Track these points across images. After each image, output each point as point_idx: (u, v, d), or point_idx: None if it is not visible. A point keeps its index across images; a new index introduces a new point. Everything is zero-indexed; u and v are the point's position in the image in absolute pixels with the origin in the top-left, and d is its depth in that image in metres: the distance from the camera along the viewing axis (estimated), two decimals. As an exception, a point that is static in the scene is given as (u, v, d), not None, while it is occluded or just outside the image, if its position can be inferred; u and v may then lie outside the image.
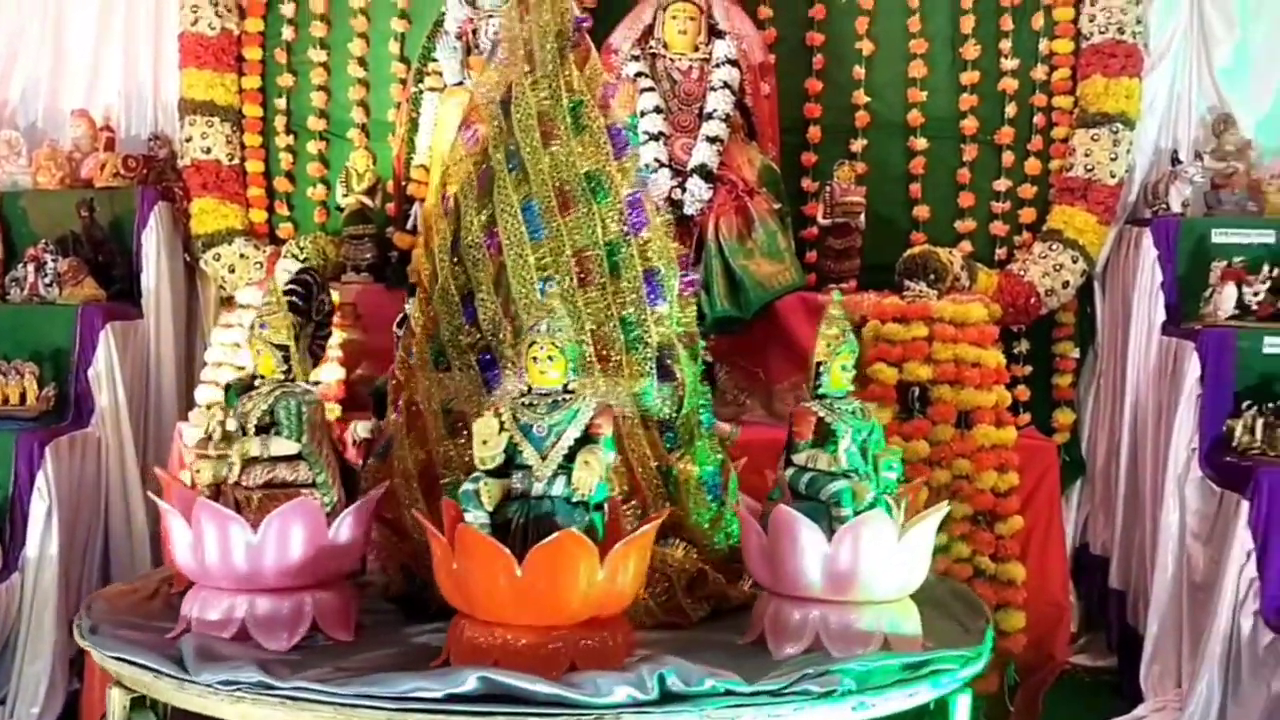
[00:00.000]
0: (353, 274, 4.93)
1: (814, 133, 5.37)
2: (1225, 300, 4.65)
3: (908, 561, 2.44)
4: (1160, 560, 4.56)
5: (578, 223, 2.32)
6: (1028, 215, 5.36)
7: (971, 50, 5.34)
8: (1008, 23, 5.34)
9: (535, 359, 2.22)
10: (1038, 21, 5.34)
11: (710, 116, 4.80)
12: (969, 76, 5.35)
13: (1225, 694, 4.13)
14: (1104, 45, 5.19)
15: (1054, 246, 5.17)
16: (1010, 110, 5.35)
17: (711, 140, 4.74)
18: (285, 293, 2.59)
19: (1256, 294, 4.72)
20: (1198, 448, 4.51)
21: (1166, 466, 4.60)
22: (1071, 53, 5.30)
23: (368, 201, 4.92)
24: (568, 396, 2.24)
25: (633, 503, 2.47)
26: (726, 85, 4.84)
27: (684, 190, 4.65)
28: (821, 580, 2.37)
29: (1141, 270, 5.05)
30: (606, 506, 2.25)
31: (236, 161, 5.38)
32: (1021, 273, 5.16)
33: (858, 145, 5.36)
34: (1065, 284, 5.14)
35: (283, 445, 2.40)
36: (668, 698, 2.10)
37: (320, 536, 2.33)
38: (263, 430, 2.41)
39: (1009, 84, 5.34)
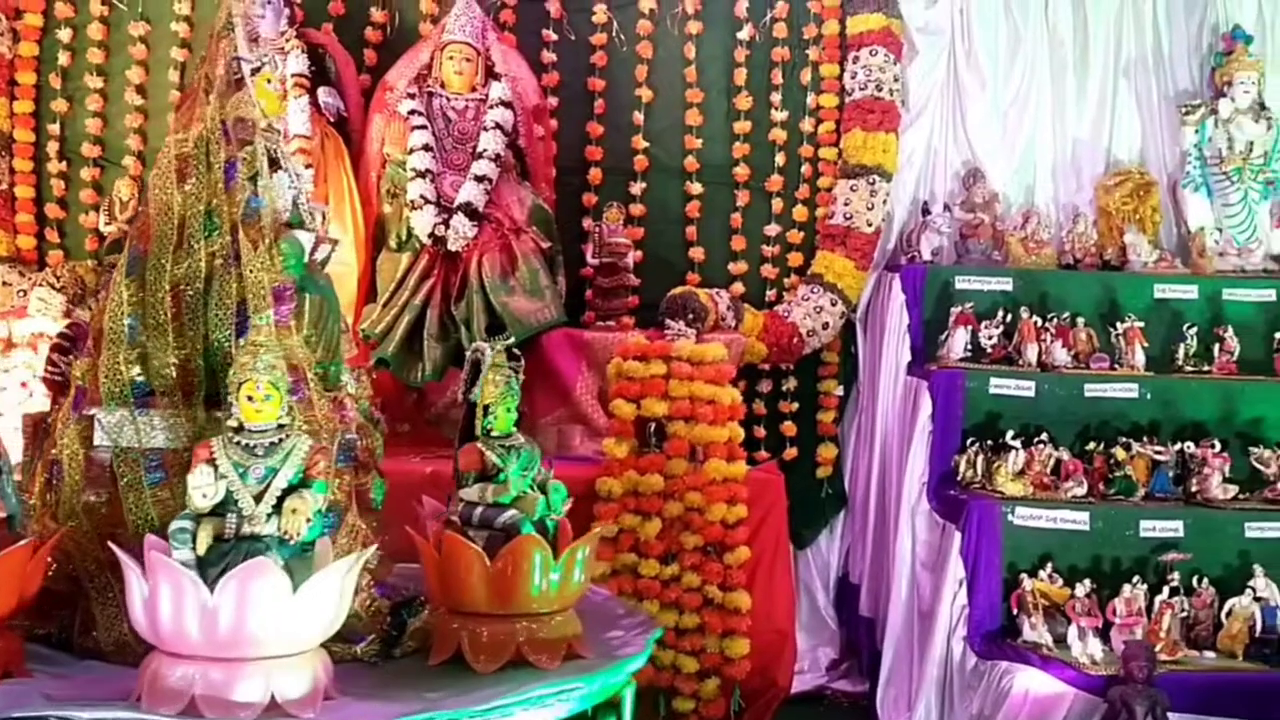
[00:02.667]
0: (114, 302, 4.87)
1: (595, 175, 5.55)
2: (957, 343, 4.97)
3: (303, 613, 2.09)
4: (895, 588, 4.82)
5: (182, 257, 2.37)
6: (795, 259, 5.63)
7: (744, 101, 5.60)
8: (778, 77, 5.62)
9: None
10: (806, 77, 5.64)
11: (480, 156, 4.93)
12: (742, 126, 5.61)
13: (941, 716, 4.38)
14: (864, 101, 5.51)
15: (816, 289, 5.43)
16: (780, 159, 5.63)
17: (479, 179, 4.87)
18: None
19: (990, 337, 5.05)
20: (927, 481, 4.80)
21: (903, 499, 4.88)
22: (836, 107, 5.62)
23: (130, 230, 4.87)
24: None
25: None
26: (499, 126, 4.99)
27: (448, 227, 4.76)
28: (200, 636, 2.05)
29: (892, 313, 5.36)
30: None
31: (5, 187, 5.27)
32: (786, 314, 5.41)
33: (637, 188, 5.56)
34: (826, 325, 5.40)
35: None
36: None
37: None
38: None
39: (779, 135, 5.62)
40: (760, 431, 5.55)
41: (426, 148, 4.90)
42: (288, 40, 5.03)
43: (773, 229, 5.63)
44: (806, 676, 5.42)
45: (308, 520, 2.15)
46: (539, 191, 5.16)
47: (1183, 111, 5.57)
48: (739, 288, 5.58)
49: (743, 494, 4.24)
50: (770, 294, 5.63)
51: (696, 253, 5.59)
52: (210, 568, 2.06)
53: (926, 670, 4.42)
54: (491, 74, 5.14)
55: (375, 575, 2.54)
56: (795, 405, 5.60)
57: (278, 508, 2.16)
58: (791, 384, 5.59)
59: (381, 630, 2.45)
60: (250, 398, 2.21)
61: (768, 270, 5.63)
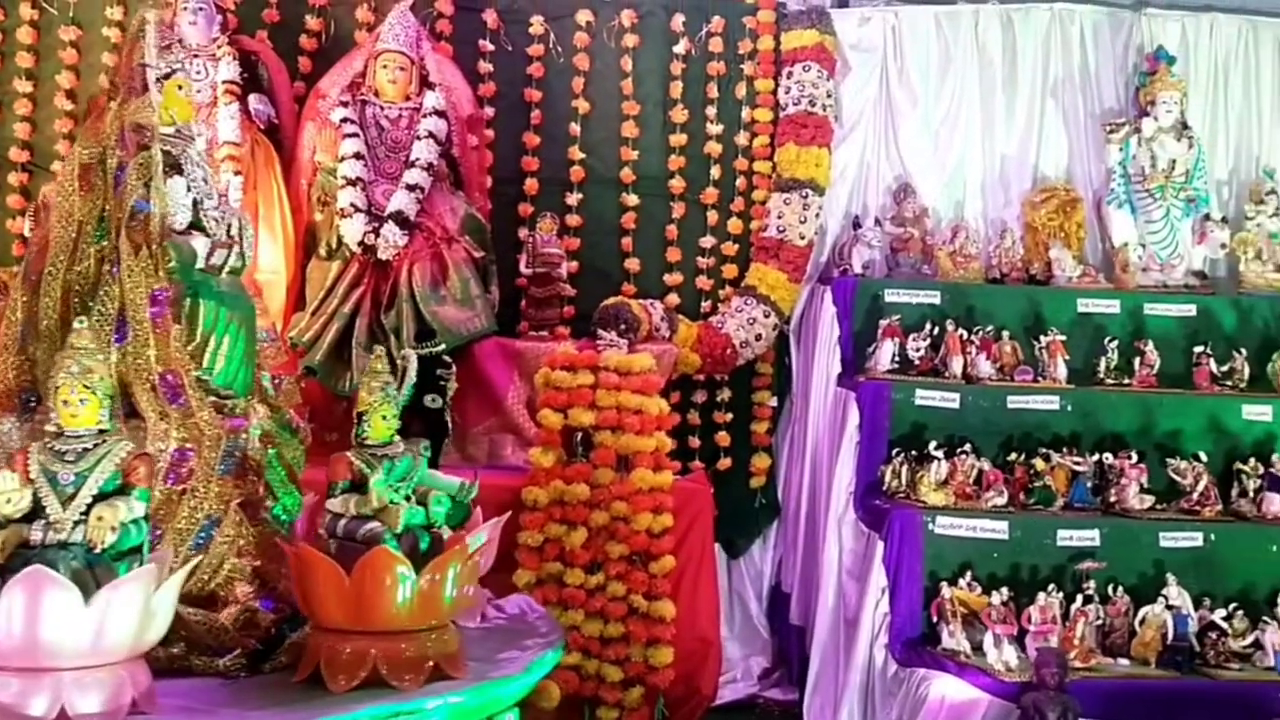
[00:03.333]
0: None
1: (531, 185, 5.57)
2: (884, 355, 5.05)
3: (99, 624, 2.02)
4: (822, 597, 4.87)
5: (76, 262, 2.36)
6: (730, 271, 5.68)
7: (680, 114, 5.65)
8: (714, 91, 5.68)
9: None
10: (741, 91, 5.71)
11: (413, 164, 4.93)
12: (678, 139, 5.66)
13: (863, 722, 4.43)
14: (797, 116, 5.58)
15: (749, 301, 5.49)
16: (715, 172, 5.69)
17: (411, 188, 4.87)
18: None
19: (918, 349, 5.13)
20: (854, 491, 4.86)
21: (831, 508, 4.93)
22: (771, 121, 5.68)
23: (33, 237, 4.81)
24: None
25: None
26: (432, 135, 4.99)
27: (378, 235, 4.76)
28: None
29: (823, 325, 5.43)
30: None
31: (-68, 192, 5.20)
32: (720, 325, 5.45)
33: (573, 199, 5.59)
34: (759, 336, 5.46)
35: None
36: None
37: None
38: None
39: (714, 148, 5.68)
40: (695, 441, 5.60)
41: (358, 155, 4.89)
42: (219, 47, 5.01)
43: (708, 241, 5.68)
44: (739, 685, 5.46)
45: (113, 529, 2.10)
46: (473, 201, 5.17)
47: (1107, 130, 5.69)
48: (674, 299, 5.62)
49: (669, 503, 4.27)
50: (705, 305, 5.67)
51: (632, 264, 5.63)
52: (7, 575, 2.00)
53: (850, 678, 4.47)
54: (426, 83, 5.14)
55: (273, 588, 2.51)
56: (729, 415, 5.65)
57: (89, 515, 2.11)
58: (726, 394, 5.64)
59: (251, 644, 2.38)
60: (65, 402, 2.17)
61: (703, 282, 5.67)
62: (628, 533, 4.21)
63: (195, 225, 2.53)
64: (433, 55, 5.21)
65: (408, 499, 2.51)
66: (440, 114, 5.06)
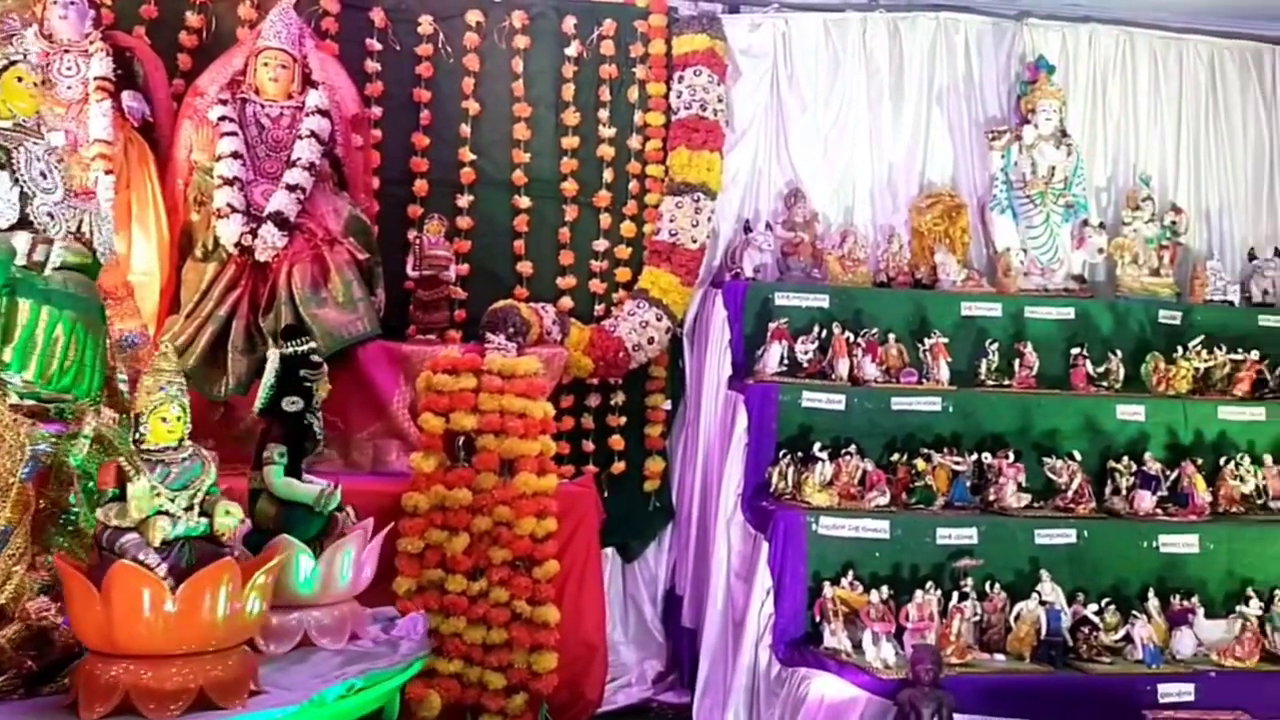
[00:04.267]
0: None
1: (420, 186, 5.48)
2: (772, 358, 5.08)
3: None
4: (711, 599, 4.88)
5: None
6: (623, 275, 5.67)
7: (572, 117, 5.63)
8: (606, 94, 5.67)
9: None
10: (633, 94, 5.70)
11: (294, 164, 4.82)
12: (570, 141, 5.62)
13: (749, 723, 4.44)
14: (689, 120, 5.60)
15: (641, 305, 5.48)
16: (608, 175, 5.67)
17: (291, 188, 4.76)
18: None
19: (806, 352, 5.18)
20: (742, 493, 4.88)
21: (720, 510, 4.95)
22: (663, 125, 5.69)
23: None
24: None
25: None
26: (314, 135, 4.88)
27: (256, 236, 4.63)
28: None
29: (715, 328, 5.45)
30: None
31: None
32: (612, 328, 5.43)
33: (464, 201, 5.52)
34: (652, 340, 5.45)
35: None
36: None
37: None
38: None
39: (607, 151, 5.67)
40: (589, 445, 5.57)
41: (235, 155, 4.76)
42: (92, 42, 4.82)
43: (601, 244, 5.67)
44: (633, 690, 5.45)
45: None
46: (358, 202, 5.08)
47: (990, 137, 5.83)
48: (567, 302, 5.59)
49: (553, 507, 4.22)
50: (599, 309, 5.65)
51: (525, 267, 5.58)
52: None
53: (737, 679, 4.49)
54: (309, 81, 5.04)
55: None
56: (624, 419, 5.63)
57: None
58: (620, 398, 5.62)
59: (27, 664, 2.24)
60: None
61: (596, 285, 5.65)
62: (511, 538, 4.16)
63: (23, 222, 2.41)
64: (316, 53, 5.11)
65: (189, 509, 2.37)
66: (323, 113, 4.95)
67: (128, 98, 4.87)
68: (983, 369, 5.23)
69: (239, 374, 4.53)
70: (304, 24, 5.14)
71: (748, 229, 5.61)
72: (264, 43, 4.98)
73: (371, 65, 5.46)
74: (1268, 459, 5.07)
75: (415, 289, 5.16)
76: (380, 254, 5.09)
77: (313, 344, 2.72)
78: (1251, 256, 5.99)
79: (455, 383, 4.26)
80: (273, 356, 2.69)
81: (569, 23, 5.61)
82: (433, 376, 4.29)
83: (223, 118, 4.84)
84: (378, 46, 5.47)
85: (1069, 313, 5.51)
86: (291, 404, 2.58)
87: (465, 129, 5.53)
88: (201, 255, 4.76)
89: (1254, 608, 4.44)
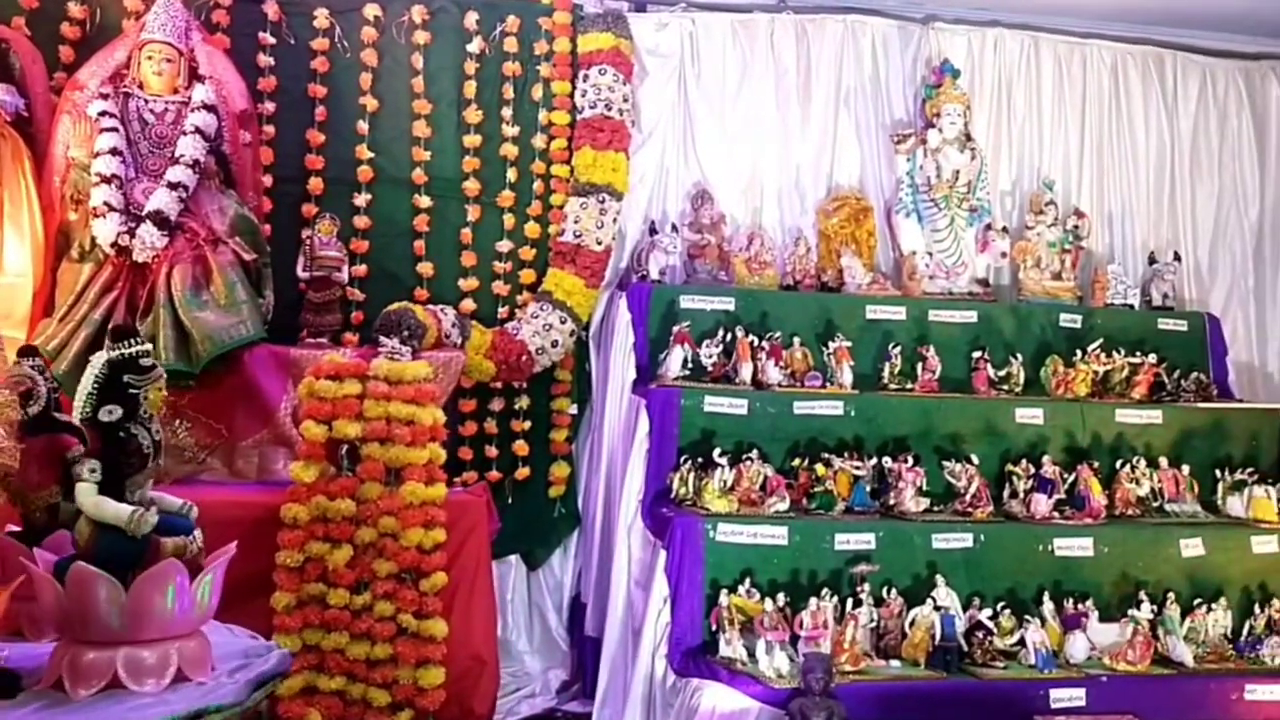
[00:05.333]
0: None
1: (316, 184, 5.32)
2: (674, 361, 5.01)
3: None
4: (612, 607, 4.80)
5: None
6: (528, 276, 5.56)
7: (474, 115, 5.50)
8: (509, 92, 5.56)
9: None
10: (538, 93, 5.60)
11: (177, 161, 4.64)
12: (472, 140, 5.50)
13: (645, 734, 4.36)
14: (594, 120, 5.51)
15: (545, 307, 5.37)
16: (512, 175, 5.56)
17: (173, 186, 4.58)
18: None
19: (711, 356, 5.12)
20: (643, 499, 4.80)
21: (621, 517, 4.86)
22: (568, 124, 5.59)
23: None
24: None
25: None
26: (199, 131, 4.71)
27: (133, 236, 4.45)
28: None
29: (619, 332, 5.36)
30: None
31: None
32: (515, 332, 5.32)
33: (361, 199, 5.37)
34: (555, 343, 5.34)
35: None
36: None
37: None
38: None
39: (510, 150, 5.55)
40: (492, 451, 5.46)
41: (114, 151, 4.57)
42: (-39, 33, 4.61)
43: (504, 245, 5.55)
44: (537, 700, 5.36)
45: None
46: (246, 200, 4.90)
47: (895, 140, 5.82)
48: (469, 304, 5.47)
49: (441, 517, 4.11)
50: (502, 311, 5.54)
51: (425, 268, 5.44)
52: None
53: (634, 689, 4.40)
54: (195, 76, 4.86)
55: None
56: (528, 424, 5.53)
57: None
58: (525, 402, 5.52)
59: None
60: None
61: (499, 287, 5.53)
62: (396, 549, 4.03)
63: None
64: (203, 47, 4.93)
65: None
66: (209, 108, 4.78)
67: (1, 91, 4.66)
68: (886, 372, 5.21)
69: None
70: (191, 16, 4.96)
71: (653, 231, 5.54)
72: (148, 35, 4.79)
73: (264, 59, 5.28)
74: (1163, 462, 5.12)
75: (306, 291, 5.01)
76: (272, 254, 4.94)
77: (144, 346, 2.53)
78: (1152, 260, 6.07)
79: (339, 389, 4.13)
80: (96, 360, 2.50)
81: (471, 18, 5.49)
82: (315, 383, 4.15)
83: (103, 113, 4.65)
84: (271, 40, 5.29)
85: (972, 316, 5.52)
86: (108, 413, 2.38)
87: (363, 126, 5.38)
88: (78, 256, 4.56)
89: (1145, 611, 4.47)
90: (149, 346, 2.58)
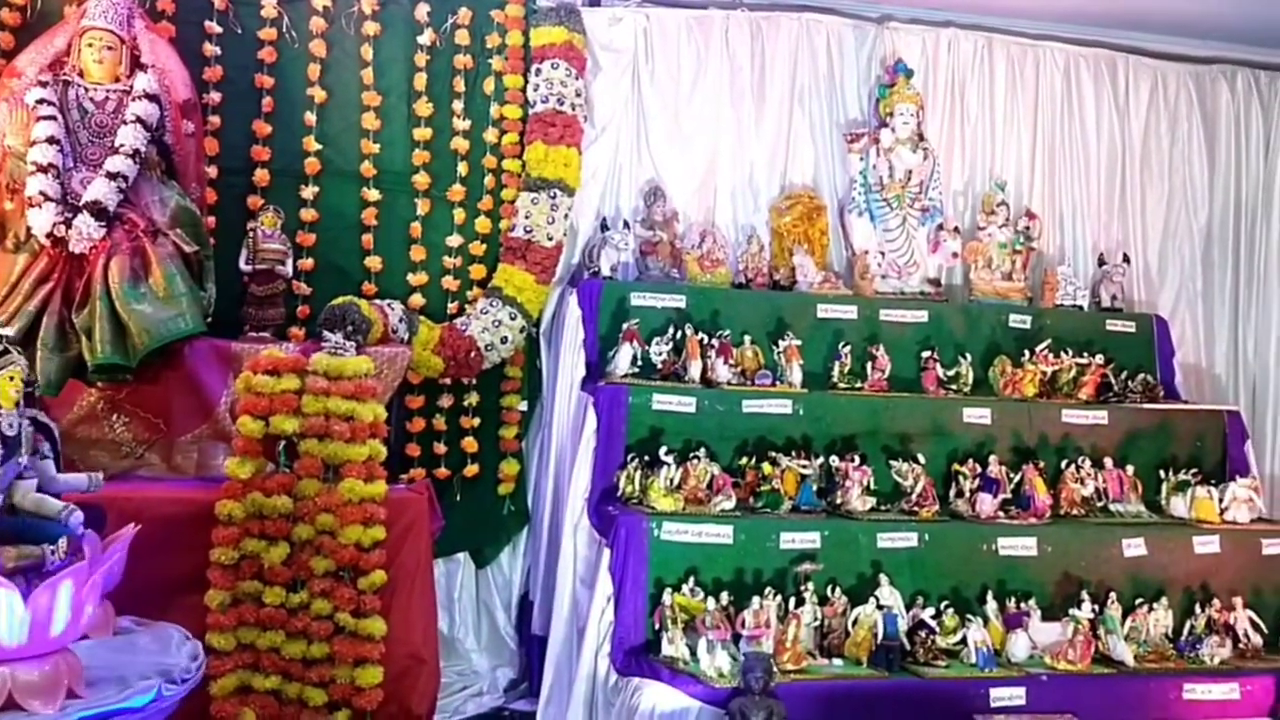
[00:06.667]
0: None
1: (262, 176, 5.24)
2: (623, 359, 4.98)
3: None
4: (558, 606, 4.76)
5: None
6: (478, 271, 5.51)
7: (425, 108, 5.44)
8: (461, 85, 5.51)
9: None
10: (489, 86, 5.55)
11: (117, 151, 4.55)
12: (422, 133, 5.44)
13: (587, 734, 4.33)
14: (546, 114, 5.46)
15: (495, 303, 5.33)
16: (462, 169, 5.50)
17: (112, 176, 4.48)
18: None
19: (660, 354, 5.10)
20: (590, 497, 4.77)
21: (568, 515, 4.83)
22: (520, 119, 5.55)
23: None
24: None
25: None
26: (140, 120, 4.61)
27: (70, 226, 4.36)
28: None
29: (569, 328, 5.33)
30: None
31: None
32: (464, 327, 5.27)
33: (308, 192, 5.30)
34: (505, 339, 5.30)
35: None
36: None
37: None
38: None
39: (461, 144, 5.50)
40: (440, 448, 5.41)
41: (52, 140, 4.46)
42: (-106, 17, 4.50)
43: (455, 240, 5.50)
44: (484, 698, 5.33)
45: None
46: (189, 192, 4.81)
47: (848, 140, 5.82)
48: (418, 299, 5.41)
49: (380, 514, 4.05)
50: (452, 306, 5.48)
51: (373, 262, 5.38)
52: None
53: (576, 688, 4.37)
54: (138, 64, 4.77)
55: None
56: (477, 421, 5.48)
57: None
58: (474, 399, 5.47)
59: None
60: None
61: (449, 282, 5.48)
62: (334, 546, 3.97)
63: None
64: (146, 34, 4.83)
65: None
66: (152, 98, 4.68)
67: (-64, 77, 4.56)
68: (836, 371, 5.21)
69: (49, 374, 4.25)
70: (134, 3, 4.85)
71: (605, 227, 5.51)
72: (89, 22, 4.68)
73: (210, 48, 5.20)
74: (1108, 462, 5.15)
75: (249, 284, 4.93)
76: (217, 247, 4.86)
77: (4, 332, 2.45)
78: (1101, 262, 6.11)
79: (276, 384, 4.06)
80: None
81: (421, 10, 5.43)
82: (252, 377, 4.08)
83: (40, 100, 4.53)
84: (218, 29, 5.21)
85: (923, 316, 5.54)
86: None
87: (311, 117, 5.31)
88: (13, 246, 4.45)
89: (1086, 610, 4.49)
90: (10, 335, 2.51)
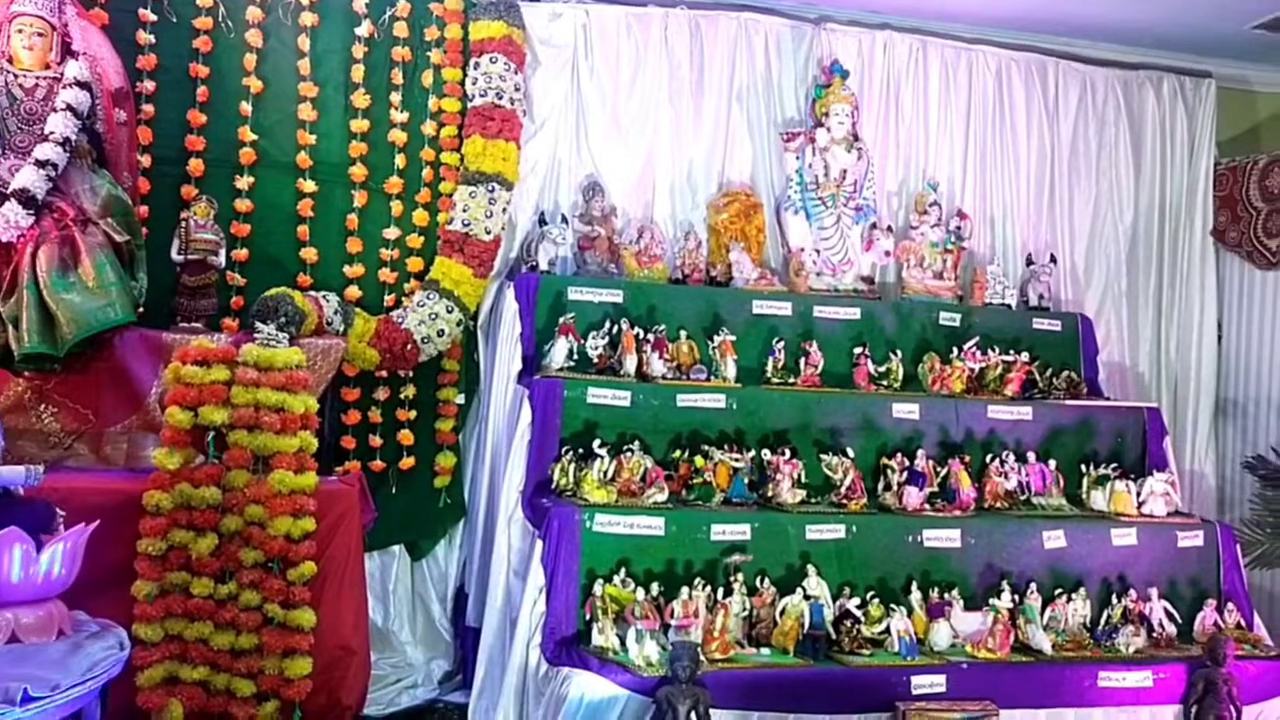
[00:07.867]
0: None
1: (196, 166, 5.21)
2: (559, 353, 5.02)
3: None
4: (491, 598, 4.80)
5: None
6: (415, 264, 5.52)
7: (362, 99, 5.44)
8: (399, 77, 5.50)
9: None
10: (428, 79, 5.55)
11: (46, 139, 4.49)
12: (360, 125, 5.43)
13: (518, 725, 4.37)
14: (484, 108, 5.48)
15: (431, 296, 5.34)
16: (400, 161, 5.51)
17: (41, 164, 4.43)
18: None
19: (596, 348, 5.14)
20: (524, 489, 4.80)
21: (502, 507, 4.86)
22: (459, 112, 5.55)
23: None
24: None
25: None
26: (70, 108, 4.55)
27: (-3, 215, 4.30)
28: None
29: (505, 322, 5.35)
30: None
31: None
32: (400, 320, 5.27)
33: (243, 182, 5.27)
34: (442, 332, 5.31)
35: None
36: None
37: None
38: None
39: (399, 136, 5.50)
40: (376, 440, 5.41)
41: (-23, 126, 4.41)
42: None
43: (392, 232, 5.50)
44: (419, 690, 5.35)
45: None
46: (120, 181, 4.77)
47: (784, 139, 5.91)
48: (355, 291, 5.41)
49: (310, 506, 4.05)
50: (389, 299, 5.49)
51: (309, 253, 5.37)
52: None
53: (508, 679, 4.41)
54: (68, 51, 4.71)
55: None
56: (414, 413, 5.49)
57: None
58: (410, 391, 5.48)
59: None
60: None
61: (386, 274, 5.48)
62: (263, 538, 3.97)
63: None
64: (77, 21, 4.78)
65: None
66: (83, 85, 4.62)
67: None
68: (770, 367, 5.29)
69: (-25, 365, 4.21)
70: (65, -12, 4.80)
71: (543, 222, 5.54)
72: (19, 8, 4.62)
73: (145, 36, 5.16)
74: (1031, 457, 5.29)
75: (181, 274, 4.90)
76: (150, 237, 4.84)
77: None
78: (1029, 262, 6.25)
79: (205, 374, 4.05)
80: None
81: (360, 1, 5.42)
82: (181, 368, 4.06)
83: (-35, 86, 4.48)
84: (152, 17, 5.17)
85: (855, 313, 5.64)
86: None
87: (246, 107, 5.28)
88: (-62, 235, 4.39)
89: (1006, 600, 4.62)
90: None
